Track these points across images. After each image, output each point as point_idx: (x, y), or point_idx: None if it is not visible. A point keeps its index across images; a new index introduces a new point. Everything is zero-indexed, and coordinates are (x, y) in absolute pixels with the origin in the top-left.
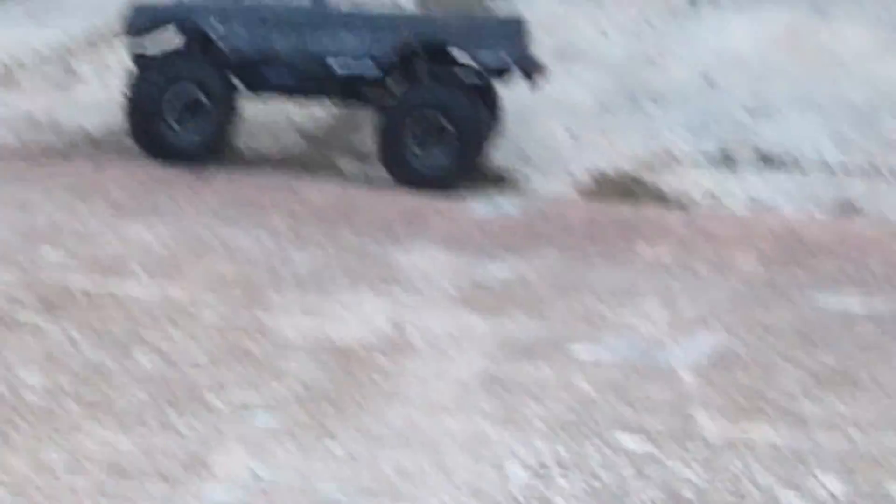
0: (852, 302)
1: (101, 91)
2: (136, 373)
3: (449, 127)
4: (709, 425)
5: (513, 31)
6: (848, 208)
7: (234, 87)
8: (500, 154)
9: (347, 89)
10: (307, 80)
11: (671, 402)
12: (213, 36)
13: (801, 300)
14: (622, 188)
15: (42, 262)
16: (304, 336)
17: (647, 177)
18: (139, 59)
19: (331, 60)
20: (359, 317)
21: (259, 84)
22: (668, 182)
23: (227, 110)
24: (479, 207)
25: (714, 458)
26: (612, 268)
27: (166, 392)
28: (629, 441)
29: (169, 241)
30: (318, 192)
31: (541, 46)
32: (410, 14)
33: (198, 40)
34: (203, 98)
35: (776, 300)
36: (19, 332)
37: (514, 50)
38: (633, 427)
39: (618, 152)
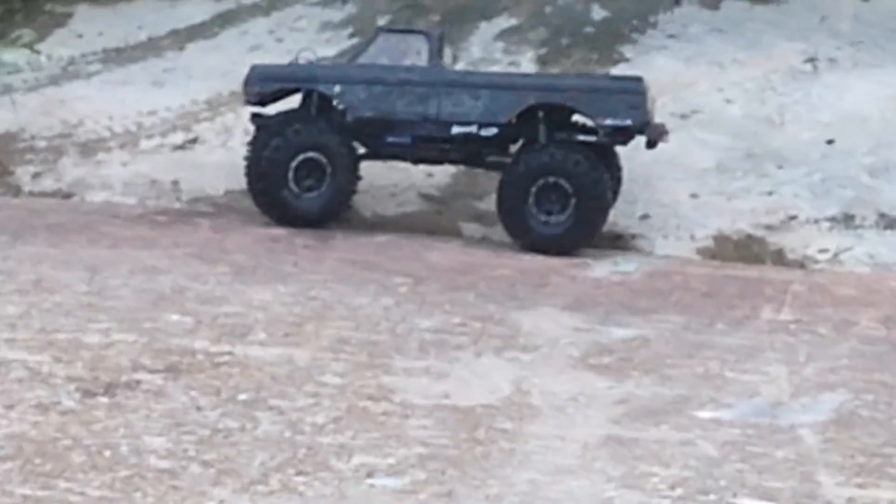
0: None
1: (223, 154)
2: (259, 436)
3: (572, 193)
4: (831, 486)
5: (634, 93)
6: None
7: (354, 151)
8: (621, 215)
9: (466, 152)
10: (426, 142)
11: (794, 463)
12: (336, 103)
13: None
14: (743, 249)
15: (166, 327)
16: (428, 399)
17: (769, 237)
18: (257, 119)
19: (450, 122)
20: (482, 379)
21: (378, 147)
22: (790, 243)
23: (348, 174)
24: (600, 269)
25: None
26: (734, 328)
27: (290, 455)
28: (752, 503)
29: (291, 304)
30: (440, 254)
31: (663, 108)
32: (529, 75)
33: (317, 102)
34: (326, 164)
35: None
36: (144, 397)
37: (636, 113)
38: (756, 489)
39: (739, 213)
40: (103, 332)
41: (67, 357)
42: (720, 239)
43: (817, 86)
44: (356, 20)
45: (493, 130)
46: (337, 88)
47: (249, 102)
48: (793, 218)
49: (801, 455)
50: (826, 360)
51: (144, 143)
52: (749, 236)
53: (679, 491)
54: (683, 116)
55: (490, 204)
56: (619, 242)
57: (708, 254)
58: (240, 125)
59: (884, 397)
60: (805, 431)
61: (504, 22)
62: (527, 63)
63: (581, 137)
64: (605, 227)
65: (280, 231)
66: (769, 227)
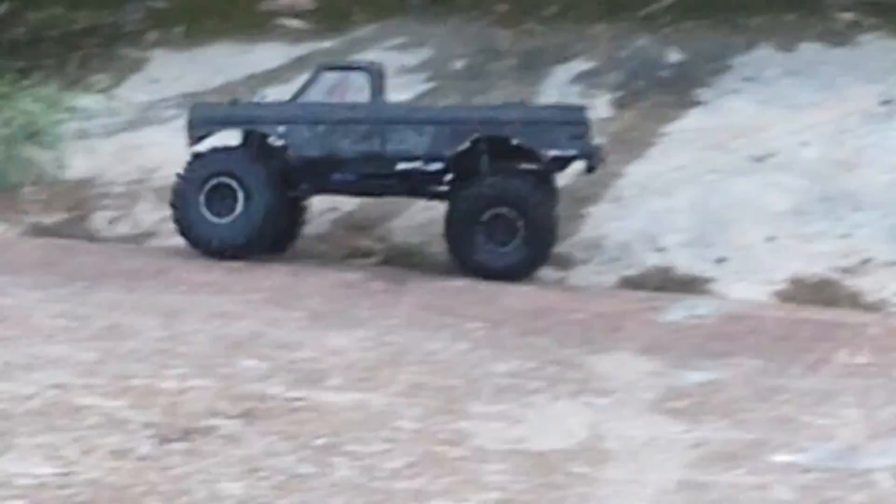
0: None
1: None
2: (335, 481)
3: (522, 223)
4: None
5: (577, 123)
6: None
7: (282, 184)
8: (697, 258)
9: (411, 185)
10: (371, 178)
11: None
12: (277, 142)
13: None
14: (818, 292)
15: (242, 372)
16: (503, 444)
17: (845, 280)
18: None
19: (395, 159)
20: (557, 424)
21: (323, 184)
22: (866, 285)
23: (272, 207)
24: (675, 312)
25: None
26: (809, 372)
27: (366, 500)
28: None
29: (366, 348)
30: (515, 297)
31: (738, 151)
32: (472, 107)
33: (259, 141)
34: (240, 193)
35: None
36: (220, 442)
37: (579, 143)
38: None
39: (815, 256)
40: (179, 378)
41: (143, 403)
42: (796, 282)
43: (893, 128)
44: (433, 64)
45: (439, 165)
46: (280, 129)
47: (193, 145)
48: (869, 261)
49: (877, 499)
50: None
51: None
52: (825, 279)
53: None
54: (759, 159)
55: (566, 248)
56: (694, 286)
57: (784, 297)
58: None
59: None
60: (881, 475)
61: (580, 65)
62: (602, 106)
63: (524, 166)
64: (682, 272)
65: (355, 275)
66: (845, 270)
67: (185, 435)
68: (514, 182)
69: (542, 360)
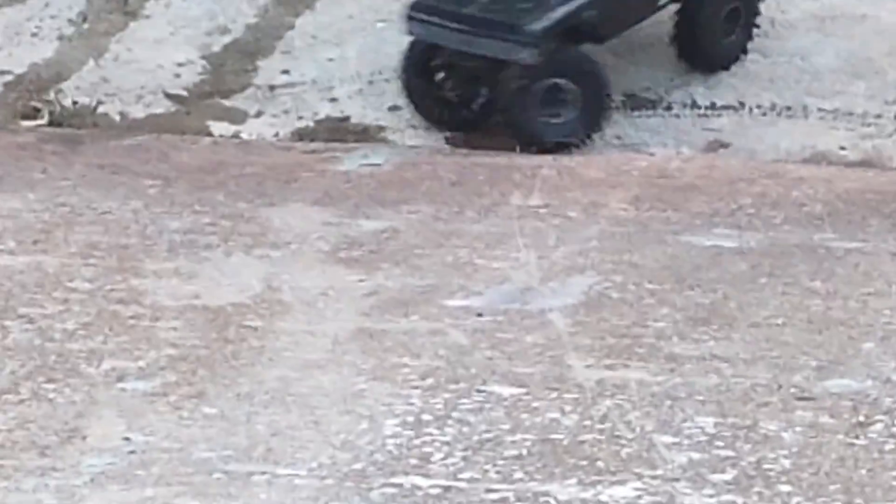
0: (723, 239)
1: None
2: (8, 344)
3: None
4: (581, 369)
5: None
6: (716, 145)
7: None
8: (369, 107)
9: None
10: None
11: (543, 348)
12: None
13: (671, 239)
14: (489, 137)
15: None
16: (178, 300)
17: None
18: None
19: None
20: (232, 278)
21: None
22: None
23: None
24: (349, 162)
25: (587, 402)
26: (484, 216)
27: (40, 363)
28: (502, 389)
29: (39, 210)
30: (188, 153)
31: None
32: None
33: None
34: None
35: (647, 240)
36: None
37: None
38: (506, 375)
39: None
40: None
41: None
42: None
43: None
44: None
45: None
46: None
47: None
48: None
49: (550, 339)
50: (575, 244)
51: None
52: (496, 123)
53: (429, 381)
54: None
55: (238, 102)
56: (368, 135)
57: (457, 143)
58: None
59: (633, 278)
60: (555, 315)
61: None
62: None
63: None
64: (356, 120)
65: (26, 138)
66: None
67: None
68: None
69: (215, 216)
